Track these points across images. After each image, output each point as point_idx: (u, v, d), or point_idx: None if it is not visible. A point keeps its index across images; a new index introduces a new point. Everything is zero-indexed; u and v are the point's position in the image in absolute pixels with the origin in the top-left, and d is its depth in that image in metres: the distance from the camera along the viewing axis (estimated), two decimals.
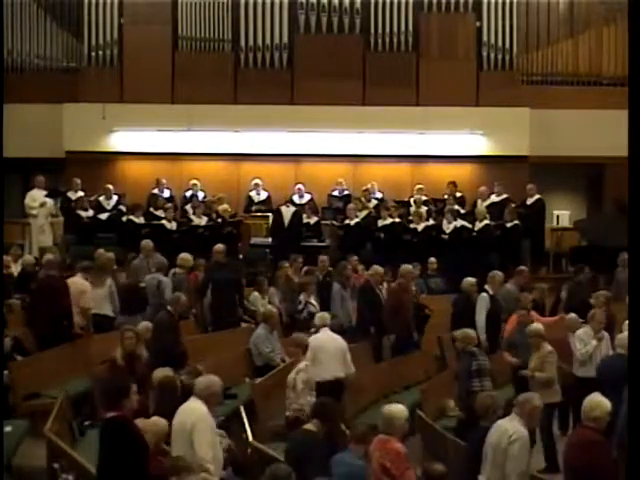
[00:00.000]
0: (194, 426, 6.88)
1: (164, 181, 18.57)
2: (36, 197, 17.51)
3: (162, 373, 8.54)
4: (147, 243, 14.33)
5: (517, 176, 18.93)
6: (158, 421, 7.25)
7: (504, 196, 18.09)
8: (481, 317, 12.13)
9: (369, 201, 18.19)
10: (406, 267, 13.12)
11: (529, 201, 18.03)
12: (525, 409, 7.17)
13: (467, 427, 8.27)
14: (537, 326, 10.49)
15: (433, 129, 19.40)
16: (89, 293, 12.15)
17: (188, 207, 17.84)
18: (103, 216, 17.55)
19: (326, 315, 11.07)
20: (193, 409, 7.02)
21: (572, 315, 11.36)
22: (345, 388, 10.33)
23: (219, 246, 13.82)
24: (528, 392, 7.90)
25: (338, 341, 10.58)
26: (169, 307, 11.02)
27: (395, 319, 12.33)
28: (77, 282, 12.15)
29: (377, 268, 13.26)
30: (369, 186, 18.54)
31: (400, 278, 12.97)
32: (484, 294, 12.36)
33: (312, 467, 6.75)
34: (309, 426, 6.79)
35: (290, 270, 14.12)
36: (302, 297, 13.03)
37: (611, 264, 15.08)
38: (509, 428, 7.05)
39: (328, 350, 10.32)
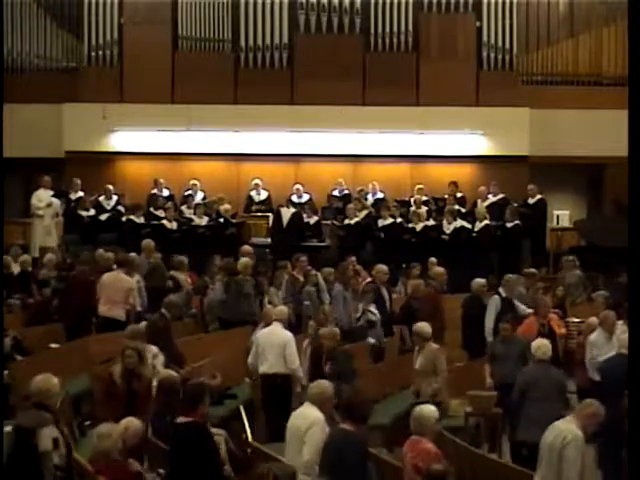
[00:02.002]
0: (307, 431, 6.97)
1: (162, 181, 18.57)
2: (42, 197, 17.54)
3: (164, 373, 8.54)
4: (148, 243, 14.34)
5: (517, 176, 18.92)
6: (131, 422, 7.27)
7: (500, 196, 18.09)
8: (490, 319, 12.05)
9: (366, 200, 18.19)
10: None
11: (531, 201, 18.03)
12: (583, 413, 7.16)
13: None
14: (421, 325, 10.35)
15: (433, 129, 19.40)
16: (135, 290, 12.55)
17: (184, 207, 17.84)
18: (103, 216, 17.57)
19: (284, 310, 10.94)
20: (308, 414, 7.09)
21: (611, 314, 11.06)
22: (292, 384, 10.27)
23: (246, 247, 13.86)
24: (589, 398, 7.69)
25: (280, 336, 10.42)
26: (164, 310, 10.76)
27: (432, 322, 12.26)
28: (123, 279, 12.52)
29: (381, 267, 13.24)
30: (370, 186, 18.56)
31: (432, 280, 12.98)
32: (496, 296, 12.32)
33: (351, 466, 6.73)
34: (345, 426, 6.82)
35: (295, 270, 13.95)
36: (361, 305, 12.71)
37: (611, 264, 15.07)
38: (564, 430, 7.07)
39: (266, 344, 10.32)
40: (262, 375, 10.18)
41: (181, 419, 6.88)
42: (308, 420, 7.00)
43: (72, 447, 6.56)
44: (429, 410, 7.09)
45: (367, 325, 12.50)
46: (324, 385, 7.32)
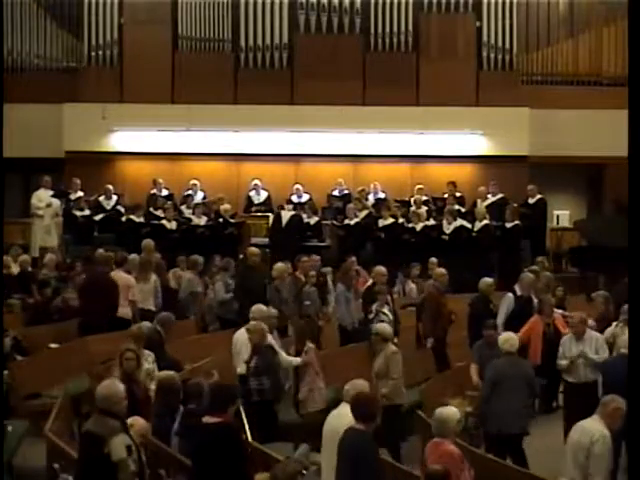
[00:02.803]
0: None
1: (161, 181, 18.57)
2: (42, 197, 17.57)
3: (164, 374, 8.54)
4: (148, 243, 14.35)
5: (517, 176, 18.93)
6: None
7: (500, 195, 18.10)
8: (501, 317, 11.96)
9: (367, 200, 18.20)
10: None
11: (531, 201, 18.03)
12: (607, 410, 7.17)
13: None
14: (381, 326, 10.26)
15: (433, 129, 19.41)
16: (135, 287, 12.71)
17: (183, 207, 17.84)
18: (98, 217, 17.50)
19: (261, 308, 10.84)
20: (344, 415, 7.06)
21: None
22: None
23: (253, 249, 13.76)
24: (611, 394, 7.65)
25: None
26: (158, 326, 10.51)
27: (435, 323, 12.20)
28: (123, 277, 12.73)
29: (380, 269, 13.18)
30: (371, 186, 18.56)
31: (434, 281, 12.97)
32: (510, 294, 12.24)
33: (366, 466, 6.73)
34: (359, 425, 6.84)
35: (298, 270, 13.85)
36: (375, 307, 12.54)
37: (611, 264, 15.07)
38: (591, 428, 7.09)
39: (244, 345, 10.24)
40: (240, 376, 9.99)
41: (209, 419, 6.86)
42: (345, 421, 6.97)
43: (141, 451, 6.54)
44: (451, 412, 7.06)
45: None
46: (360, 385, 7.32)
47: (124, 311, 12.49)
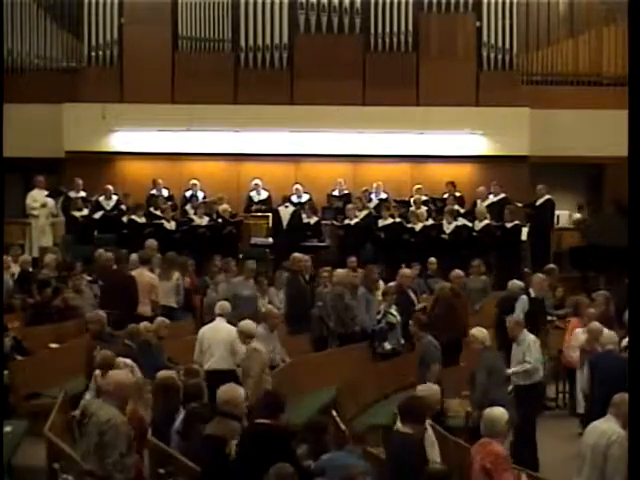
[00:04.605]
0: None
1: (160, 181, 18.57)
2: (37, 197, 17.58)
3: (163, 374, 8.54)
4: (151, 243, 14.40)
5: (517, 176, 18.94)
6: None
7: (501, 196, 18.09)
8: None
9: (369, 201, 18.21)
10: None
11: (539, 202, 17.97)
12: (622, 409, 7.10)
13: None
14: (245, 323, 10.15)
15: (433, 129, 19.40)
16: (158, 286, 13.01)
17: (188, 207, 17.87)
18: (97, 215, 17.50)
19: (226, 305, 10.95)
20: None
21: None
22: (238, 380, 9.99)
23: (299, 255, 13.67)
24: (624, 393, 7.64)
25: (224, 332, 10.41)
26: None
27: (448, 325, 12.12)
28: (147, 275, 13.01)
29: (406, 271, 13.31)
30: (374, 186, 18.56)
31: (450, 283, 13.00)
32: (524, 296, 12.26)
33: (412, 468, 6.75)
34: (404, 428, 6.84)
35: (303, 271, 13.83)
36: (382, 307, 12.68)
37: (611, 264, 15.07)
38: (607, 429, 7.07)
39: (212, 340, 10.32)
40: (208, 371, 9.98)
41: (260, 421, 6.87)
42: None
43: None
44: (499, 412, 7.07)
45: (387, 327, 12.45)
46: (432, 388, 7.36)
47: (144, 309, 12.66)
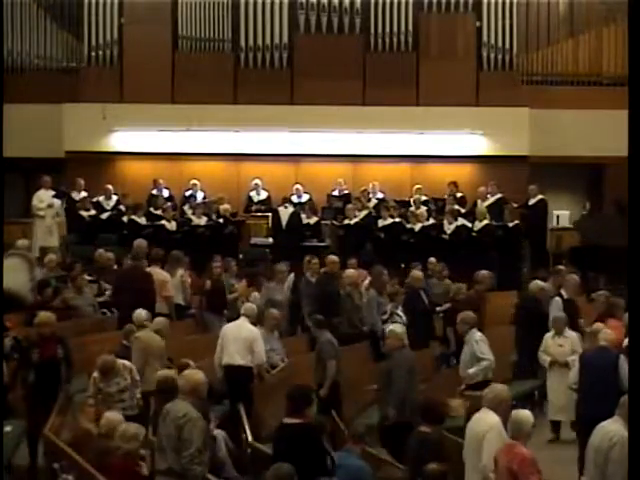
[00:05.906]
0: (485, 435, 7.04)
1: (161, 181, 18.58)
2: (43, 198, 17.55)
3: (163, 374, 8.54)
4: (140, 242, 14.28)
5: (517, 176, 18.93)
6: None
7: (498, 195, 18.09)
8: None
9: (369, 201, 18.21)
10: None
11: (531, 201, 18.01)
12: (625, 410, 7.03)
13: None
14: (160, 320, 10.55)
15: (433, 129, 19.40)
16: (169, 283, 13.00)
17: (186, 207, 17.87)
18: (104, 216, 17.57)
19: (252, 307, 11.17)
20: (486, 419, 7.15)
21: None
22: (253, 377, 10.50)
23: (332, 257, 13.56)
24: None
25: (244, 331, 10.67)
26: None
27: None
28: (159, 272, 12.97)
29: (417, 272, 13.41)
30: (370, 186, 18.55)
31: (477, 285, 13.01)
32: (557, 298, 12.28)
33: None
34: (423, 428, 6.83)
35: (308, 272, 13.79)
36: (389, 307, 12.72)
37: (610, 264, 15.07)
38: (610, 430, 7.07)
39: (230, 337, 10.60)
40: (225, 366, 10.46)
41: (288, 420, 6.94)
42: (487, 425, 7.06)
43: None
44: (525, 415, 7.07)
45: None
46: (499, 389, 7.37)
47: (158, 306, 12.59)
